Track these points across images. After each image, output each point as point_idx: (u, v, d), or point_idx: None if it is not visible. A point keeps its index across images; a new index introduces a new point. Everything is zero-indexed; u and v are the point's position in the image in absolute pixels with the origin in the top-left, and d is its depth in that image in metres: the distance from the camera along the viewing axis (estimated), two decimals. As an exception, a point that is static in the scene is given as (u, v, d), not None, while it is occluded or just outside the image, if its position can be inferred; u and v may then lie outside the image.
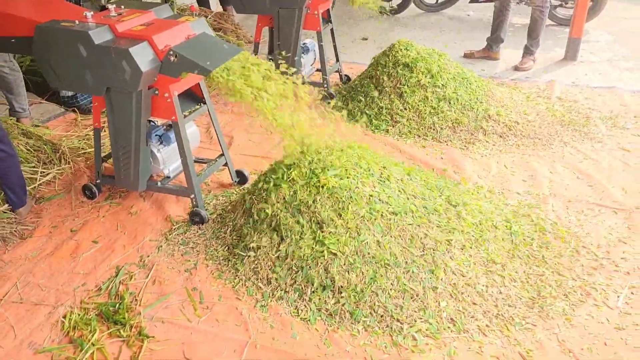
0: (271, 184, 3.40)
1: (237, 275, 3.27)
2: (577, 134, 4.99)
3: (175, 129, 3.66)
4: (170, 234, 3.71)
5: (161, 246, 3.60)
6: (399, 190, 3.36)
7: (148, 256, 3.51)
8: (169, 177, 4.02)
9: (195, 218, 3.80)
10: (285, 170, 3.41)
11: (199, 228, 3.75)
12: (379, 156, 3.63)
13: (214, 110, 4.05)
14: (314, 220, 3.19)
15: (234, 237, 3.49)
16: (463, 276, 3.07)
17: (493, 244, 3.33)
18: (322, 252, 3.09)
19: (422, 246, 3.14)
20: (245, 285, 3.21)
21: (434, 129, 4.96)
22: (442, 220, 3.32)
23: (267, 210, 3.32)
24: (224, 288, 3.22)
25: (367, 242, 3.09)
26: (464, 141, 4.85)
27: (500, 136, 4.88)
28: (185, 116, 3.75)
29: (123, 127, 3.69)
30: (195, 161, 4.31)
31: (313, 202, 3.22)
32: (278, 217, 3.28)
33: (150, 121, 4.03)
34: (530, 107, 5.31)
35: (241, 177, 4.30)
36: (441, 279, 3.02)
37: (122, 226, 3.83)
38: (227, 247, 3.48)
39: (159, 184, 3.93)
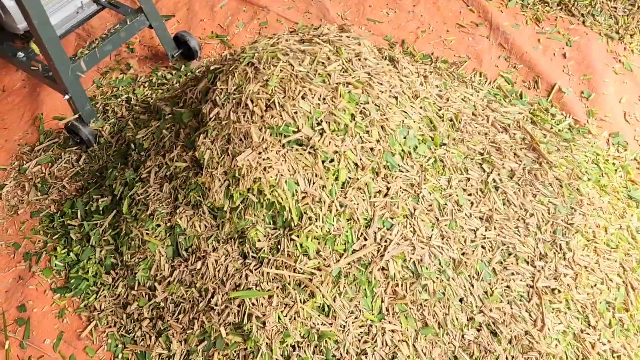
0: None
1: (99, 298, 1.75)
2: None
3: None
4: (27, 161, 2.10)
5: (4, 186, 2.03)
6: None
7: (-25, 207, 1.99)
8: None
9: (75, 137, 2.11)
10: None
11: (80, 156, 2.10)
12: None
13: None
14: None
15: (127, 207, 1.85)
16: None
17: None
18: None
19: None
20: (106, 320, 1.70)
21: (567, -14, 2.63)
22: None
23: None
24: (72, 317, 1.73)
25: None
26: (619, 22, 2.55)
27: (695, 21, 2.52)
28: None
29: None
30: (106, 4, 2.38)
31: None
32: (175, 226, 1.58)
33: None
34: None
35: (185, 49, 2.40)
36: None
37: (-38, 123, 2.23)
38: (112, 224, 1.87)
39: (21, 54, 2.14)
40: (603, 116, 2.22)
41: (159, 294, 1.65)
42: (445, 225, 1.57)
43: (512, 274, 1.59)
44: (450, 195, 1.62)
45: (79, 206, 1.91)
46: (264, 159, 1.47)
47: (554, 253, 1.64)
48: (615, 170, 2.02)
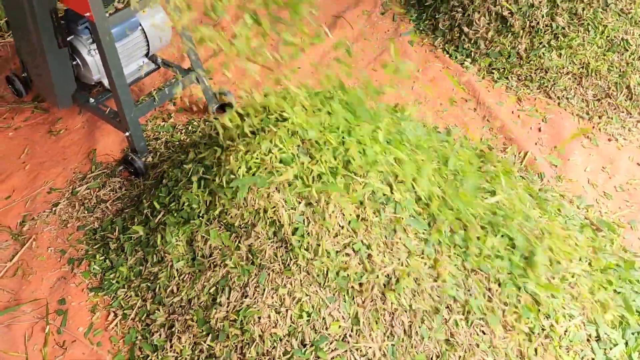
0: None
1: (127, 298, 2.10)
2: None
3: (93, 32, 2.26)
4: (79, 185, 2.53)
5: (58, 204, 2.45)
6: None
7: (33, 218, 2.40)
8: (109, 91, 2.71)
9: (129, 167, 2.55)
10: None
11: (122, 184, 2.53)
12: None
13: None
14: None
15: (156, 223, 2.24)
16: None
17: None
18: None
19: None
20: (130, 316, 2.04)
21: (545, 72, 3.06)
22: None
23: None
24: (103, 312, 2.08)
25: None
26: (589, 105, 2.96)
27: (657, 108, 2.91)
28: (116, 9, 2.30)
29: (17, 16, 2.35)
30: (161, 65, 2.90)
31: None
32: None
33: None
34: None
35: (224, 103, 2.88)
36: None
37: (30, 153, 2.68)
38: (142, 239, 2.25)
39: (92, 100, 2.64)
40: (569, 180, 2.57)
41: (175, 294, 1.99)
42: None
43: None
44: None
45: (118, 223, 2.31)
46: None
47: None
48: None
